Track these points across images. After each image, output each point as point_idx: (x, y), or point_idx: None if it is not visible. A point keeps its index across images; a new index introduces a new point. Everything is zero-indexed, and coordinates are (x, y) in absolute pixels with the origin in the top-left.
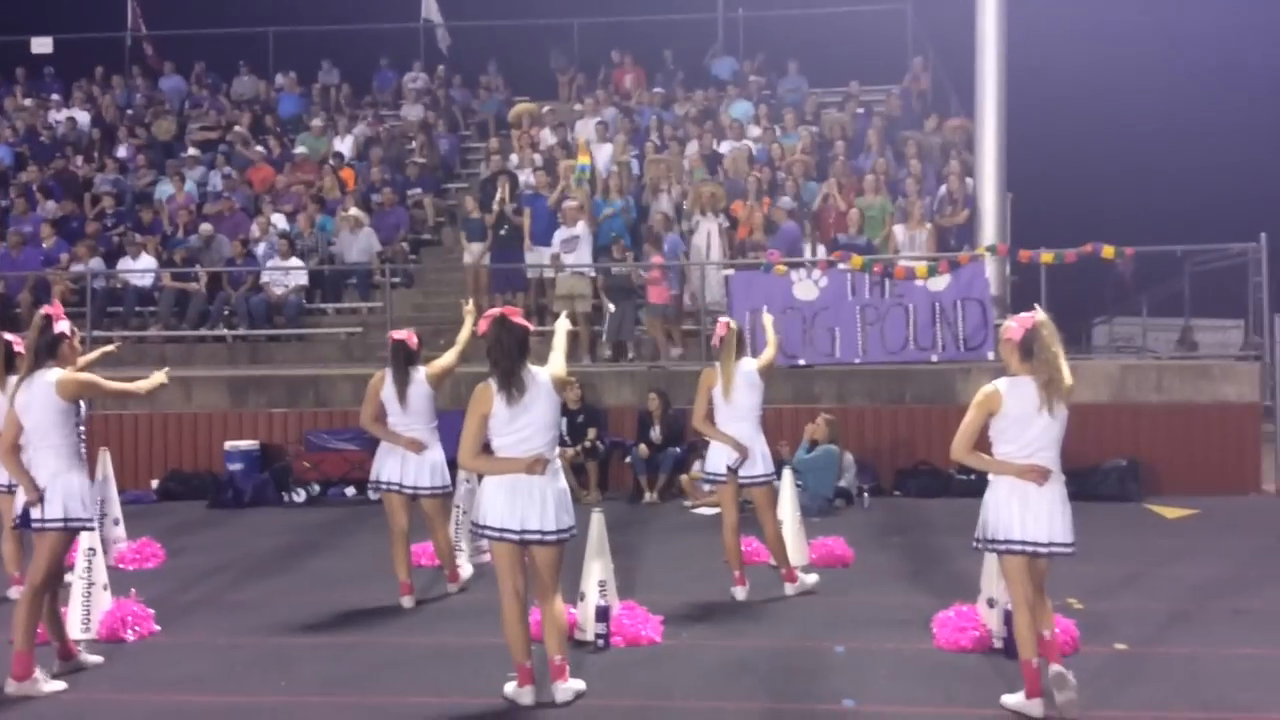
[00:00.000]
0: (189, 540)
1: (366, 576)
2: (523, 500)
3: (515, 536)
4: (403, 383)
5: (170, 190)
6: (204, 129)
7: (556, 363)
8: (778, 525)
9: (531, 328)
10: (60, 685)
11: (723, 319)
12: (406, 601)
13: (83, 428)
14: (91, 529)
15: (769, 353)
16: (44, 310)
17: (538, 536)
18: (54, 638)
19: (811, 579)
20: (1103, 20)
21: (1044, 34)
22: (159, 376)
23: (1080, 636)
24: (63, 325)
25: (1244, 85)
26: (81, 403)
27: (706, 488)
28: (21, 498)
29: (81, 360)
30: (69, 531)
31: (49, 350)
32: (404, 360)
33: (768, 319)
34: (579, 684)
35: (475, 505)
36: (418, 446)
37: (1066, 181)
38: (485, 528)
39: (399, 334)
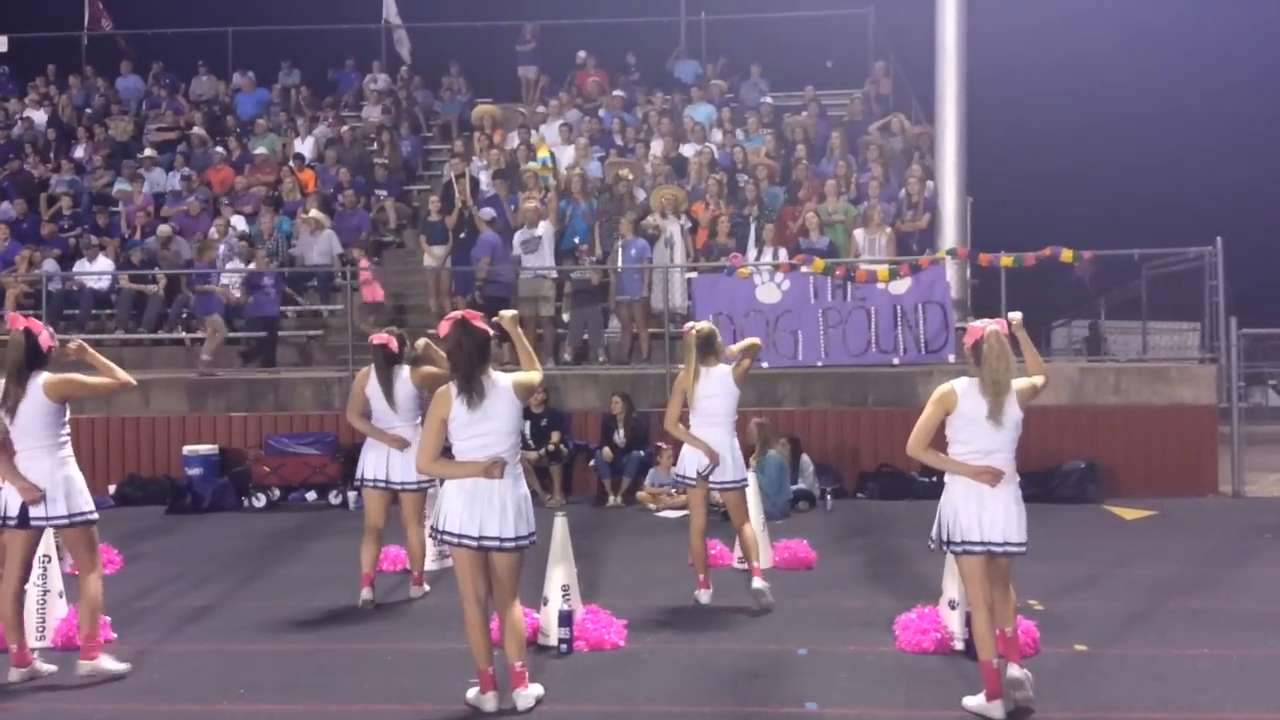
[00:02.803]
0: (147, 546)
1: (327, 582)
2: (482, 506)
3: (474, 542)
4: (388, 383)
5: (129, 190)
6: (162, 129)
7: (529, 372)
8: (748, 521)
9: (493, 333)
10: (125, 666)
11: (690, 323)
12: (366, 593)
13: None
14: None
15: (746, 362)
16: None
17: (496, 543)
18: (12, 641)
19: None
20: (1062, 27)
21: (1004, 39)
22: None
23: (1040, 637)
24: None
25: (1202, 92)
26: None
27: (672, 491)
28: None
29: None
30: None
31: None
32: (385, 363)
33: (733, 350)
34: (538, 689)
35: (435, 509)
36: (401, 443)
37: (1026, 185)
38: (445, 533)
39: (379, 337)
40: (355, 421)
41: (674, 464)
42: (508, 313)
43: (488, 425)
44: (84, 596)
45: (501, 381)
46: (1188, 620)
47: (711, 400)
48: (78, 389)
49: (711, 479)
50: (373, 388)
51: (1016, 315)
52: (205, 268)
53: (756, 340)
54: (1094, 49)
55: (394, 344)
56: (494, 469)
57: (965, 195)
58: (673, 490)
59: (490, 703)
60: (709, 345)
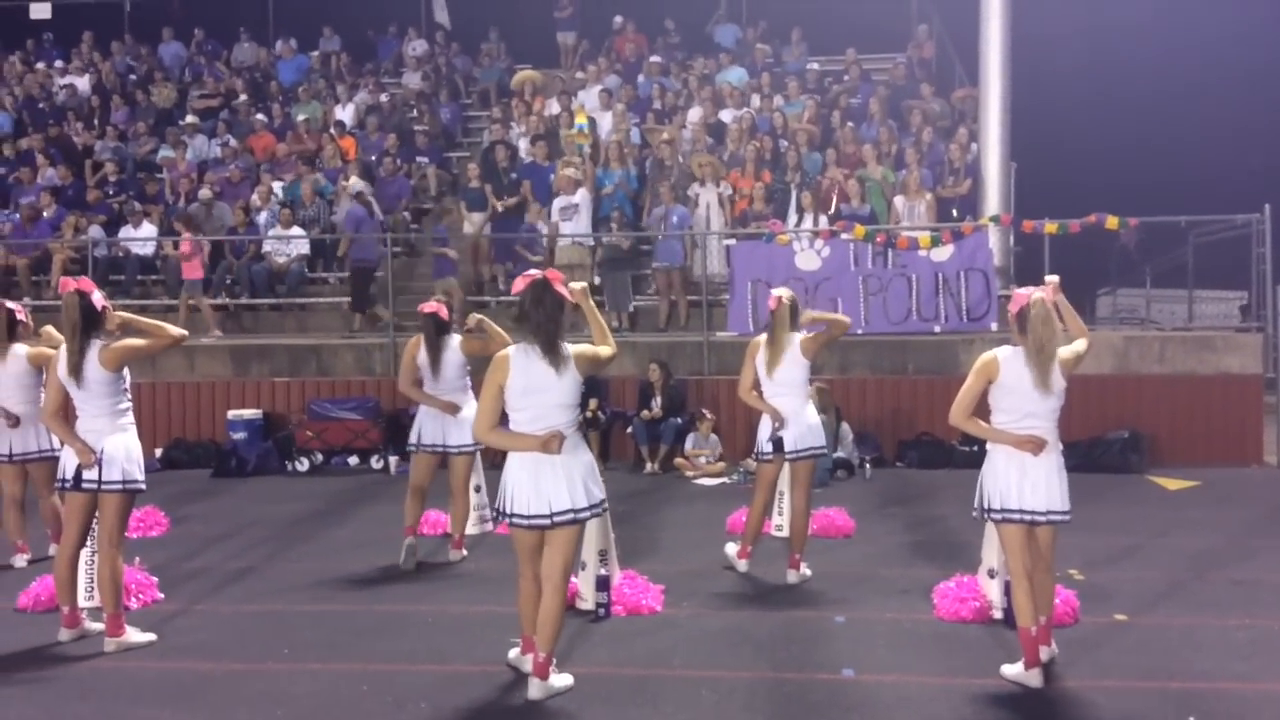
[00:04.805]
0: (192, 509)
1: (368, 545)
2: (549, 482)
3: (546, 521)
4: (436, 351)
5: (172, 157)
6: (204, 96)
7: (599, 346)
8: (807, 504)
9: (570, 299)
10: (151, 636)
11: (775, 291)
12: (410, 540)
13: None
14: None
15: (826, 335)
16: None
17: (569, 516)
18: (64, 602)
19: (808, 573)
20: None
21: (1048, 2)
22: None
23: (1080, 607)
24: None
25: (1249, 56)
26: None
27: (710, 459)
28: None
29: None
30: None
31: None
32: (435, 331)
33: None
34: (565, 680)
35: (500, 490)
36: (453, 409)
37: (1071, 152)
38: (513, 515)
39: (429, 306)
40: (409, 390)
41: (714, 431)
42: (578, 285)
43: (544, 397)
44: (105, 572)
45: (566, 350)
46: (1228, 591)
47: (787, 370)
48: (132, 354)
49: (788, 448)
50: (422, 356)
51: (1054, 278)
52: (444, 231)
53: (845, 319)
54: (1141, 13)
55: (444, 312)
56: (552, 443)
57: (1009, 161)
58: (711, 459)
59: (531, 664)
60: (794, 314)
